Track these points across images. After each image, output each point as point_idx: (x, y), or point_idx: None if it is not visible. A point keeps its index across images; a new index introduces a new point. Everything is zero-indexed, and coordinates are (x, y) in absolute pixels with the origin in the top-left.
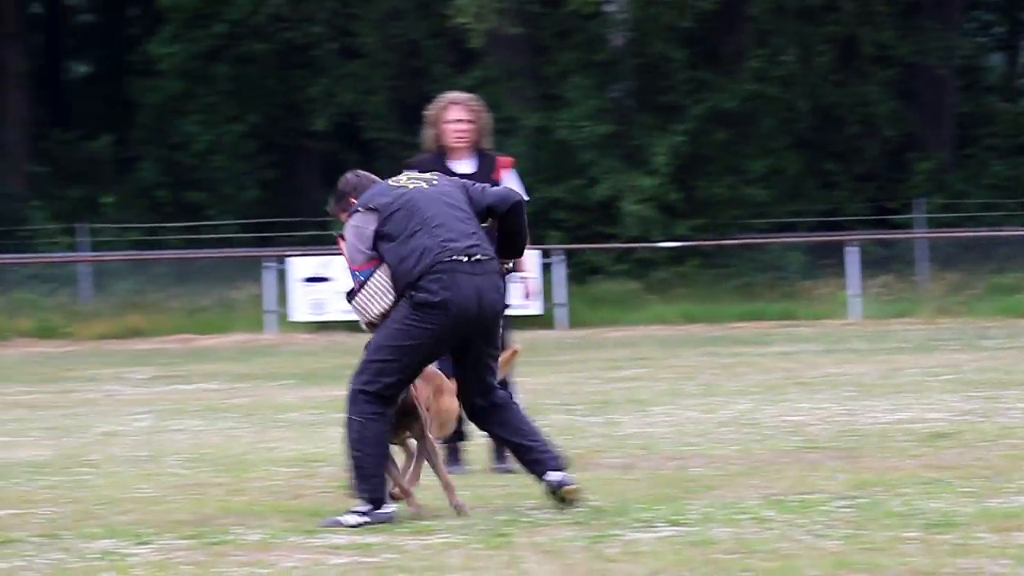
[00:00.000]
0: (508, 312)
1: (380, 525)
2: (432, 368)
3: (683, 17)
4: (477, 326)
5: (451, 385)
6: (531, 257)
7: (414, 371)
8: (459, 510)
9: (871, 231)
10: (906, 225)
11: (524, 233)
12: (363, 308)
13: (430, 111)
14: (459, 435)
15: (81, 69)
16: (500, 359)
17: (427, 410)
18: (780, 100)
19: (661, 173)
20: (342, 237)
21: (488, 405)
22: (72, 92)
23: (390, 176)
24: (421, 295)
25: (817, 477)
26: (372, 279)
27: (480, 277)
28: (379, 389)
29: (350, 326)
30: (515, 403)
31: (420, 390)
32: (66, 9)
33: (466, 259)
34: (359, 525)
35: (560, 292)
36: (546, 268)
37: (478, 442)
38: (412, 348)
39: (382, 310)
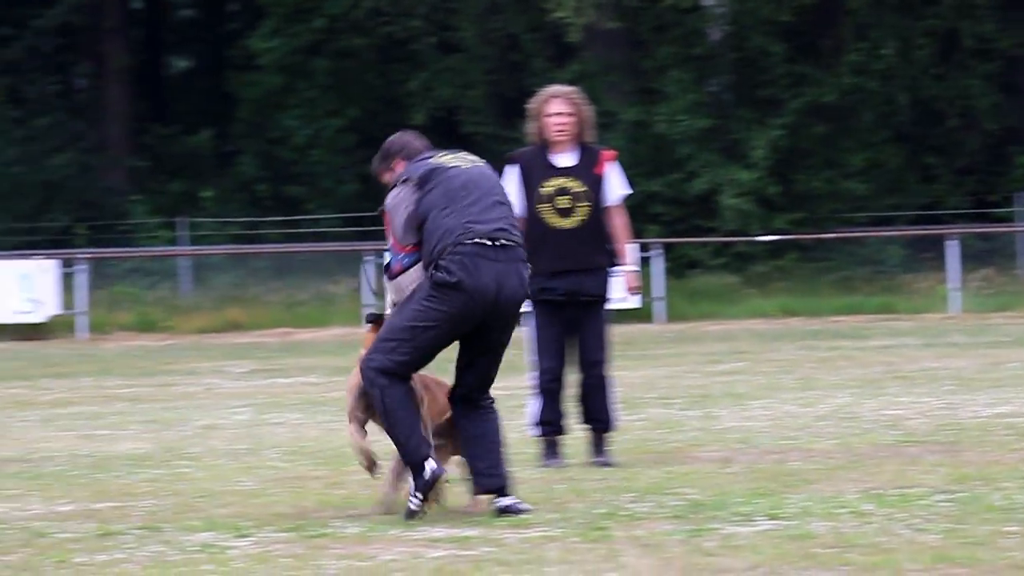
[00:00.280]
0: (609, 306)
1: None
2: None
3: (782, 11)
4: (494, 313)
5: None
6: (631, 251)
7: (427, 353)
8: (384, 503)
9: (971, 224)
10: (1007, 219)
11: None
12: (400, 290)
13: (532, 105)
14: (558, 429)
15: (181, 64)
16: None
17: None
18: (879, 94)
19: (760, 167)
20: (385, 212)
21: (481, 401)
22: (172, 87)
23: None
24: (439, 274)
25: (916, 471)
26: (416, 266)
27: (503, 264)
28: (390, 367)
29: None
30: (497, 412)
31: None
32: (167, 4)
33: (490, 243)
34: (415, 512)
35: (658, 286)
36: (645, 262)
37: (576, 436)
38: (427, 329)
39: None
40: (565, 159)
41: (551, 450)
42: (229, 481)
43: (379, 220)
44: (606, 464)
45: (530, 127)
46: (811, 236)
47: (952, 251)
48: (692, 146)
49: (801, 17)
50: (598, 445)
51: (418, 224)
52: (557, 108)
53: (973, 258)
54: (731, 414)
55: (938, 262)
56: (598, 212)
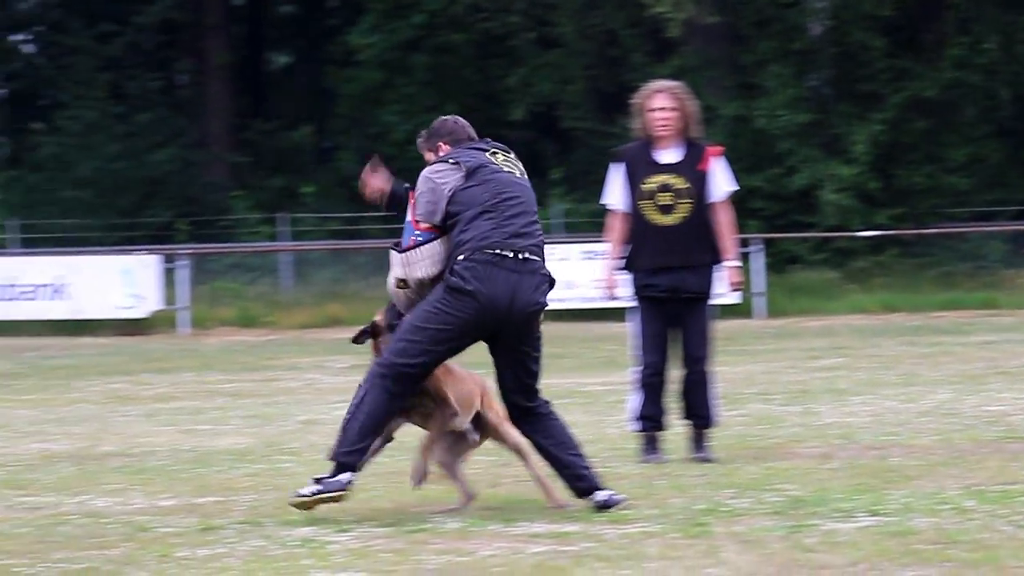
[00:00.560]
0: (713, 301)
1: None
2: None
3: (883, 5)
4: (506, 322)
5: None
6: (734, 247)
7: (438, 357)
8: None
9: None
10: None
11: None
12: (410, 264)
13: (636, 100)
14: (658, 424)
15: (282, 60)
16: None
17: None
18: (982, 88)
19: (860, 162)
20: (413, 191)
21: (531, 407)
22: (273, 83)
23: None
24: (454, 279)
25: (1018, 467)
26: (429, 244)
27: (521, 275)
28: (398, 369)
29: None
30: (557, 414)
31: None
32: (268, 0)
33: (511, 255)
34: (314, 495)
35: (759, 281)
36: (744, 257)
37: (677, 431)
38: (438, 333)
39: (423, 276)
40: (669, 155)
41: (651, 445)
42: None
43: None
44: (706, 460)
45: (635, 122)
46: (912, 231)
47: None
48: (792, 141)
49: (902, 11)
50: (698, 441)
51: (452, 210)
52: (660, 103)
53: None
54: (831, 410)
55: None
56: (701, 209)
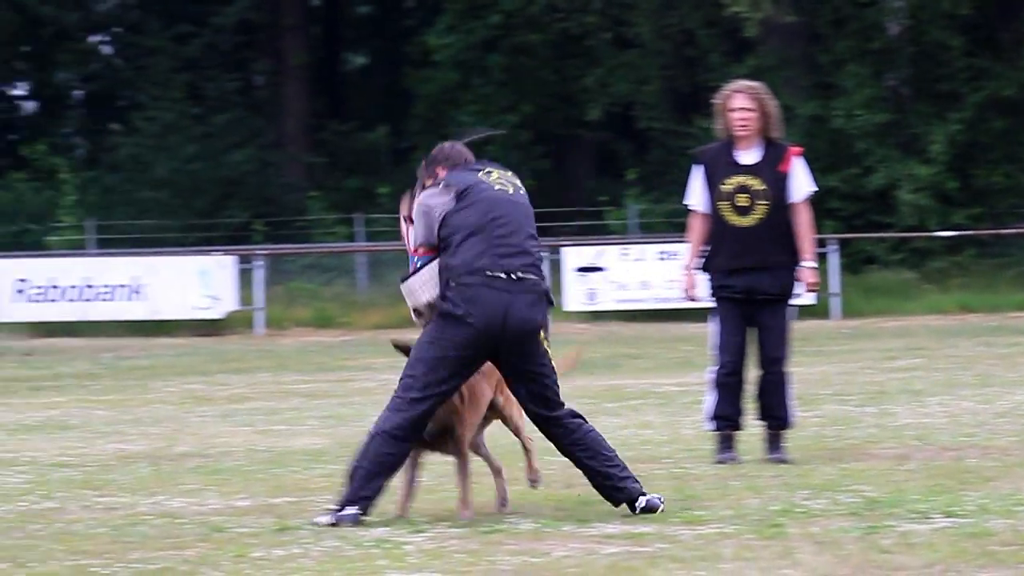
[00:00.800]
0: (793, 301)
1: (350, 526)
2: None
3: (961, 4)
4: (504, 343)
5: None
6: (812, 248)
7: (443, 385)
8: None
9: None
10: None
11: None
12: (414, 292)
13: (716, 100)
14: (734, 424)
15: (358, 60)
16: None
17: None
18: None
19: (938, 162)
20: (410, 220)
21: (553, 416)
22: (349, 84)
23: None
24: (445, 305)
25: None
26: (429, 266)
27: (513, 295)
28: (406, 404)
29: (624, 316)
30: (588, 424)
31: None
32: (345, 1)
33: (504, 275)
34: (328, 525)
35: (834, 281)
36: (821, 258)
37: (752, 432)
38: (438, 361)
39: (429, 299)
40: (748, 156)
41: (726, 445)
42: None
43: (554, 217)
44: (781, 461)
45: (716, 122)
46: (990, 231)
47: None
48: (869, 141)
49: (980, 10)
50: (774, 442)
51: (442, 234)
52: (740, 103)
53: None
54: (908, 411)
55: None
56: (780, 210)
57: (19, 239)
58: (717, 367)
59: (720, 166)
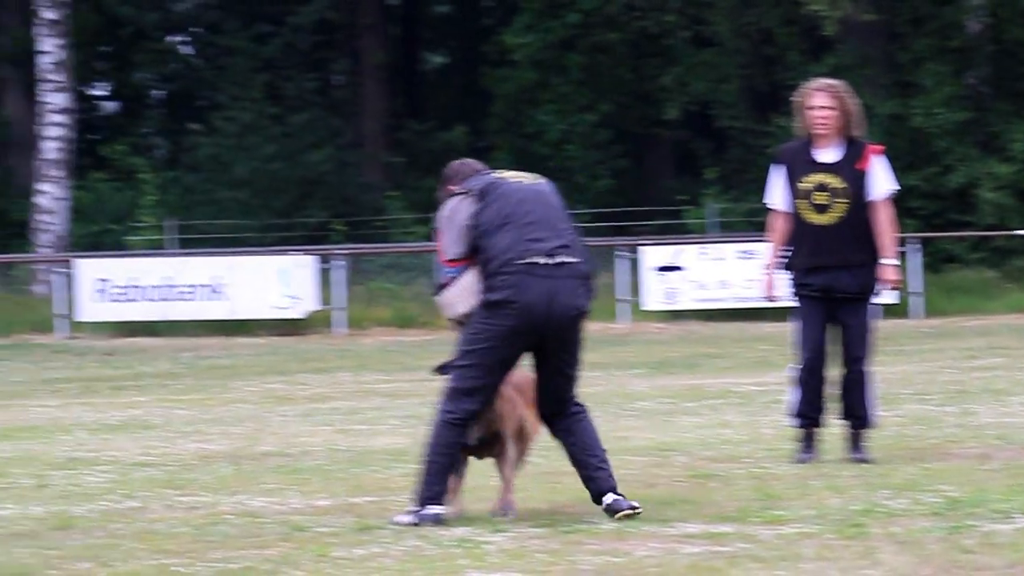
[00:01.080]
0: (875, 299)
1: (431, 525)
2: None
3: None
4: (548, 329)
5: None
6: (893, 246)
7: (492, 373)
8: (504, 510)
9: None
10: None
11: None
12: (447, 305)
13: (796, 98)
14: (815, 422)
15: (437, 60)
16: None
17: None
18: None
19: (1018, 160)
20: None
21: (562, 415)
22: (428, 83)
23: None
24: (487, 294)
25: None
26: (463, 278)
27: (557, 280)
28: (459, 394)
29: (703, 315)
30: (587, 417)
31: (510, 403)
32: (423, 1)
33: (544, 260)
34: (410, 524)
35: (916, 281)
36: (902, 257)
37: (834, 430)
38: (485, 350)
39: (465, 310)
40: (828, 154)
41: (807, 443)
42: (485, 476)
43: (633, 216)
44: (863, 460)
45: (796, 121)
46: None
47: None
48: (949, 139)
49: None
50: (855, 441)
51: (473, 238)
52: (820, 101)
53: None
54: (989, 410)
55: None
56: (859, 208)
57: (100, 239)
58: (799, 365)
59: (799, 164)
